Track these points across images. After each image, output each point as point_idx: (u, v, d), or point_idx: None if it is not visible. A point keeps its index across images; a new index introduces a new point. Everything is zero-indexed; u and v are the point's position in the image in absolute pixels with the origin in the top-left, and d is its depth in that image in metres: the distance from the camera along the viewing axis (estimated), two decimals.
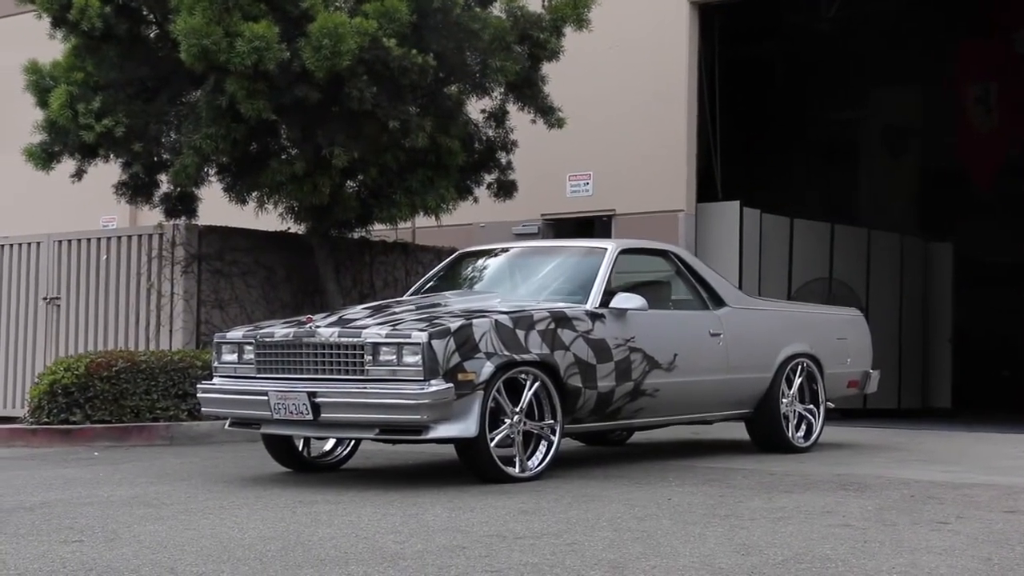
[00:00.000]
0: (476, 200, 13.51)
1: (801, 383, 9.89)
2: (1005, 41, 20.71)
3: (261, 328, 8.19)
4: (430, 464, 9.10)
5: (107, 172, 12.97)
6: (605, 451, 10.12)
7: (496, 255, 9.63)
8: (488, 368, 7.49)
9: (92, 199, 16.01)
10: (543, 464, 7.83)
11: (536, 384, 7.79)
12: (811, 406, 10.00)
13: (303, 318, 8.23)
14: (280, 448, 8.49)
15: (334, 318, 8.11)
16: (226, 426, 8.48)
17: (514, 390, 7.71)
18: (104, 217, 18.76)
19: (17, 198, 19.69)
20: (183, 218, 13.02)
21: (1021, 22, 20.28)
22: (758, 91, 20.06)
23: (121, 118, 11.60)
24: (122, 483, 7.88)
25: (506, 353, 7.60)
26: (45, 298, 13.63)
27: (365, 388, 7.42)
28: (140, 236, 13.07)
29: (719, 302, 9.42)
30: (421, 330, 7.38)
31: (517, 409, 7.68)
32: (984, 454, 10.11)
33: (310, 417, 7.55)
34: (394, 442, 7.95)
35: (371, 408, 7.40)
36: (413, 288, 9.55)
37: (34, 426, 10.97)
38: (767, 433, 9.75)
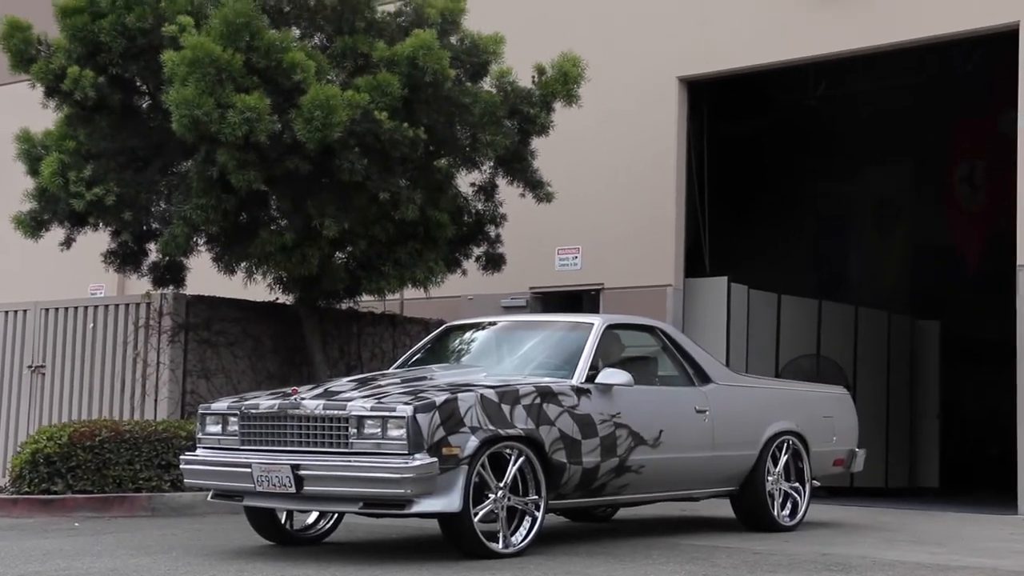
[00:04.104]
0: (464, 273, 13.54)
1: (787, 461, 9.87)
2: (991, 120, 20.89)
3: (246, 399, 8.17)
4: (413, 538, 9.03)
5: (96, 240, 12.98)
6: (590, 527, 10.06)
7: (483, 328, 9.64)
8: (473, 443, 7.46)
9: (80, 267, 16.01)
10: (527, 540, 7.78)
11: (521, 459, 7.76)
12: (797, 484, 9.97)
13: (288, 390, 8.20)
14: (263, 521, 8.44)
15: (319, 390, 8.09)
16: (208, 498, 8.42)
17: (499, 465, 7.68)
18: (92, 285, 18.75)
19: (5, 266, 19.68)
20: (171, 287, 13.02)
21: (1006, 103, 20.47)
22: (746, 166, 20.17)
23: (112, 187, 11.64)
24: (102, 555, 7.80)
25: (491, 428, 7.57)
26: (30, 366, 13.57)
27: (349, 461, 7.39)
28: (127, 305, 13.04)
29: (705, 378, 9.43)
30: (406, 403, 7.37)
31: (501, 484, 7.65)
32: (971, 535, 10.07)
33: (293, 490, 7.51)
34: (378, 515, 7.90)
35: (355, 481, 7.36)
36: (400, 360, 9.54)
37: (15, 495, 10.88)
38: (752, 511, 9.71)
